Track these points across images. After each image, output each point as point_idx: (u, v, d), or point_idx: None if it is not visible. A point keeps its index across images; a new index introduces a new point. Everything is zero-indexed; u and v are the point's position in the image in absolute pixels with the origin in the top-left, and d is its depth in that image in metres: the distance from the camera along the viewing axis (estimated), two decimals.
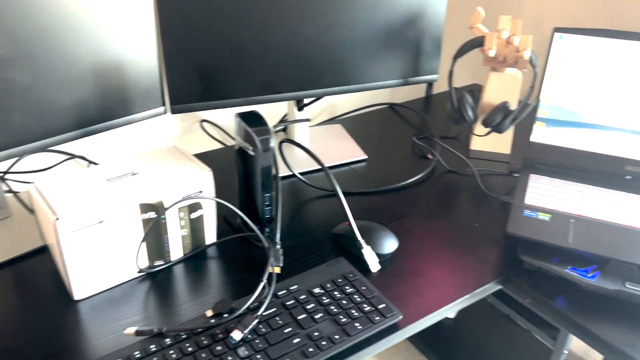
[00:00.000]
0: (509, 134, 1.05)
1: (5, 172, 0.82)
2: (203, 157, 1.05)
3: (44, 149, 0.74)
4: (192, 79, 0.87)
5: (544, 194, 0.86)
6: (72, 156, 0.96)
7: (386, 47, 0.99)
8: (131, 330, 0.61)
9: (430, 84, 1.42)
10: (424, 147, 1.09)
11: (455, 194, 0.94)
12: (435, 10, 1.00)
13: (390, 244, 0.77)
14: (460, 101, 1.01)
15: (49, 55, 0.70)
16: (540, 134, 0.94)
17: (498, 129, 0.99)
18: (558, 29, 0.89)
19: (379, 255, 0.76)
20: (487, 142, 1.06)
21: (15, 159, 0.88)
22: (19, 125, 0.70)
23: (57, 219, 0.61)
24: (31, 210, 0.82)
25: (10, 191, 0.85)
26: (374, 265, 0.75)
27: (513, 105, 1.01)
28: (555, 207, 0.82)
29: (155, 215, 0.69)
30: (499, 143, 1.05)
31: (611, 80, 0.88)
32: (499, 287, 0.76)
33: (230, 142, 1.23)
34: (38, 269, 0.73)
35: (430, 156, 1.06)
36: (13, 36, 0.66)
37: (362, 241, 0.75)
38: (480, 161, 1.05)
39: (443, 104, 1.32)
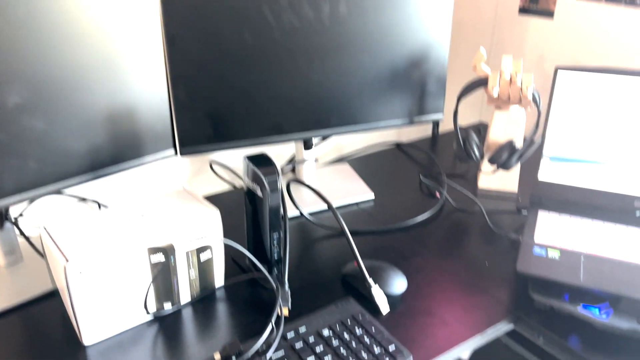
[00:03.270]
0: (515, 172, 1.05)
1: (18, 217, 0.84)
2: (213, 199, 1.06)
3: (56, 192, 0.76)
4: (202, 122, 0.89)
5: (553, 231, 0.85)
6: (84, 200, 0.98)
7: (391, 88, 1.01)
8: None
9: (436, 124, 1.43)
10: (432, 186, 1.09)
11: (464, 232, 0.94)
12: (438, 52, 1.02)
13: (399, 284, 0.76)
14: (466, 140, 1.02)
15: (65, 102, 0.73)
16: (547, 171, 0.95)
17: (504, 166, 0.99)
18: (560, 67, 0.90)
19: (388, 295, 0.75)
20: (494, 180, 1.06)
21: (27, 203, 0.89)
22: (34, 170, 0.72)
23: (67, 261, 0.62)
24: (42, 254, 0.83)
25: (22, 235, 0.87)
26: (384, 306, 0.74)
27: (519, 143, 1.01)
28: (565, 244, 0.82)
29: (164, 258, 0.69)
30: (506, 181, 1.06)
31: (615, 117, 0.89)
32: (511, 326, 0.75)
33: (240, 183, 1.25)
34: (49, 313, 0.73)
35: (438, 195, 1.06)
36: (30, 84, 0.69)
37: (370, 281, 0.75)
38: (489, 199, 1.05)
39: (450, 143, 1.33)
